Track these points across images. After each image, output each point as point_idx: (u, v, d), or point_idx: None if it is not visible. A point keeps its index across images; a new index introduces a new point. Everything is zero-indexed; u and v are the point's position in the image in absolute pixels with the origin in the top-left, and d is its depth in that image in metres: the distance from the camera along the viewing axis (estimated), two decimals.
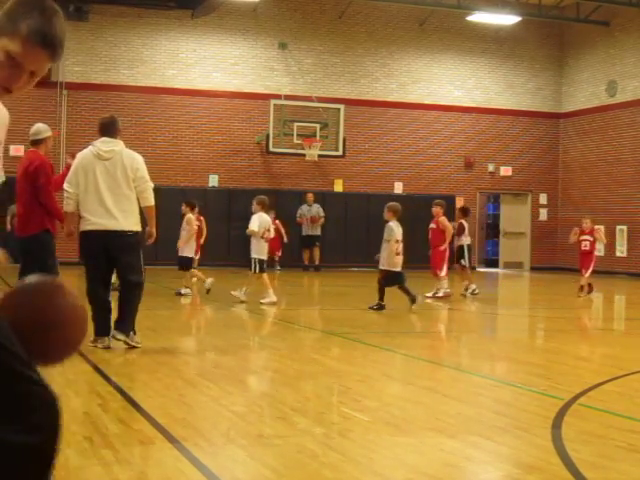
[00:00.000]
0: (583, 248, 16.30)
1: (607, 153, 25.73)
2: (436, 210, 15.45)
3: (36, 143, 8.90)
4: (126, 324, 8.23)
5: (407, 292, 12.72)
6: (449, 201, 26.27)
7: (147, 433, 4.92)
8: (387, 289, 12.39)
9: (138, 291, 8.32)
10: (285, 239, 22.45)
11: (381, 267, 12.80)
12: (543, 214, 27.75)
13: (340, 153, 24.21)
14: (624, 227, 25.04)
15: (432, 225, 15.49)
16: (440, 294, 14.92)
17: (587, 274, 15.92)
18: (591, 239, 16.25)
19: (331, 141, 24.06)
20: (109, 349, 8.13)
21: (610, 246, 25.51)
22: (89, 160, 8.24)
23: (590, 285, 16.00)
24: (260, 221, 13.13)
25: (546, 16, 25.88)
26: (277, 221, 21.61)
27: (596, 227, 16.58)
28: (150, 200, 8.32)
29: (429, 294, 14.91)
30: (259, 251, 13.21)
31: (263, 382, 6.85)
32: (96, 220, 8.13)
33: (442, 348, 9.59)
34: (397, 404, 6.04)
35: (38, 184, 8.52)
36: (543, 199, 27.72)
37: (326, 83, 25.38)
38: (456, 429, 5.19)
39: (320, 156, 23.99)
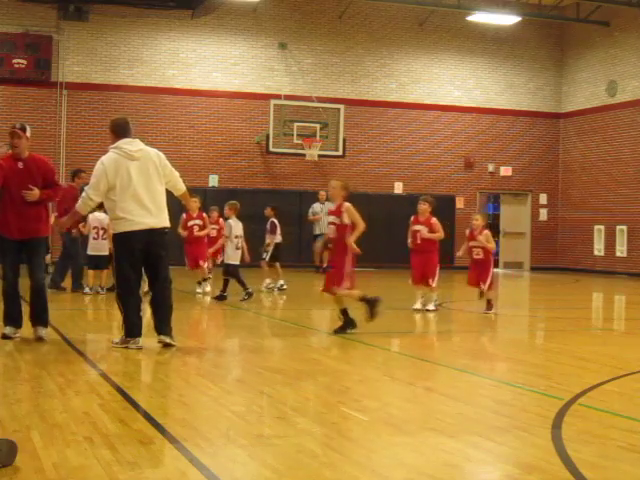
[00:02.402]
0: (475, 256, 12.88)
1: (607, 153, 25.73)
2: (424, 208, 12.97)
3: None
4: (169, 326, 8.41)
5: (225, 286, 13.64)
6: (449, 201, 26.42)
7: (147, 433, 4.92)
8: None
9: (171, 286, 8.58)
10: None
11: (225, 261, 13.88)
12: (543, 214, 27.75)
13: (340, 153, 24.22)
14: (624, 227, 25.04)
15: (419, 227, 12.92)
16: (432, 307, 12.92)
17: (485, 287, 12.73)
18: (483, 246, 12.87)
19: (331, 141, 24.06)
20: (140, 349, 8.16)
21: (610, 246, 25.53)
22: (120, 163, 8.23)
23: (490, 302, 12.90)
24: None
25: (546, 16, 25.88)
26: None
27: (485, 231, 12.91)
28: (183, 187, 8.82)
29: (417, 306, 12.82)
30: None
31: (263, 382, 6.84)
32: (140, 220, 8.20)
33: (442, 348, 9.58)
34: (397, 404, 6.04)
35: None
36: (543, 199, 27.73)
37: (326, 83, 25.38)
38: (456, 429, 5.19)
39: (320, 156, 23.99)
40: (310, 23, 25.28)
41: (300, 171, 25.03)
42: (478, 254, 12.82)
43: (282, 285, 16.06)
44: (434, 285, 12.85)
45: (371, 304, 9.82)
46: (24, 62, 22.70)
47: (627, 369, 7.76)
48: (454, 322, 12.84)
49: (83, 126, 23.27)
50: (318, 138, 23.66)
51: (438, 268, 12.92)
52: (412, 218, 13.07)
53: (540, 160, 27.53)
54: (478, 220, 13.02)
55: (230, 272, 13.75)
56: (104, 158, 8.34)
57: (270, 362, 7.83)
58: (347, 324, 9.89)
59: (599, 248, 25.95)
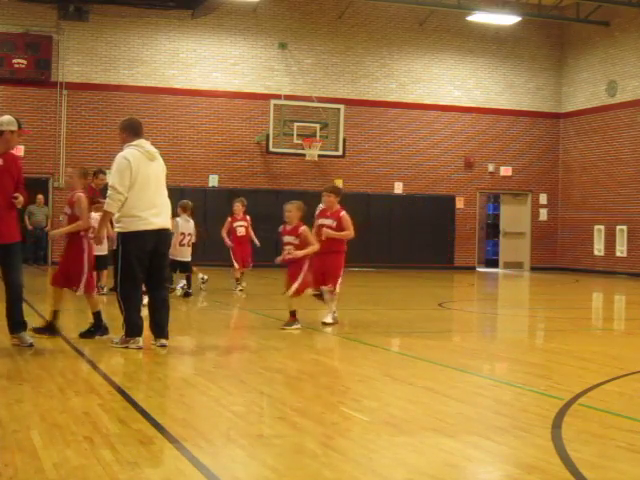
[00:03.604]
0: (287, 255, 10.20)
1: (607, 153, 25.73)
2: (330, 200, 10.85)
3: None
4: (167, 329, 8.42)
5: (189, 281, 14.20)
6: (449, 201, 26.43)
7: (147, 433, 4.92)
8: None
9: (169, 287, 8.56)
10: None
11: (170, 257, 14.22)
12: (543, 214, 27.76)
13: (340, 153, 24.23)
14: (624, 227, 25.04)
15: (325, 220, 10.81)
16: (329, 319, 10.71)
17: (293, 289, 10.01)
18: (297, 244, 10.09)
19: (331, 141, 24.07)
20: (141, 349, 8.16)
21: (610, 246, 25.54)
22: (141, 161, 8.23)
23: (292, 313, 10.32)
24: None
25: (546, 16, 25.88)
26: None
27: (303, 227, 10.22)
28: None
29: (327, 319, 10.69)
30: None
31: (263, 382, 6.84)
32: (152, 220, 8.20)
33: (442, 348, 9.57)
34: (397, 404, 6.04)
35: None
36: (543, 199, 27.74)
37: (326, 83, 25.39)
38: (456, 429, 5.19)
39: (320, 156, 24.00)
40: (310, 23, 25.28)
41: (300, 171, 25.03)
42: (290, 253, 10.09)
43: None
44: (336, 291, 10.57)
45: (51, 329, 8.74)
46: (24, 62, 22.71)
47: (627, 369, 7.76)
48: (454, 322, 12.84)
49: (83, 126, 23.27)
50: (318, 138, 23.66)
51: (342, 271, 10.69)
52: (317, 211, 11.15)
53: (540, 160, 27.54)
54: (291, 212, 10.23)
55: (184, 269, 14.27)
56: (126, 154, 8.19)
57: (270, 362, 7.82)
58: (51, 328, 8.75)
59: (599, 248, 25.95)
